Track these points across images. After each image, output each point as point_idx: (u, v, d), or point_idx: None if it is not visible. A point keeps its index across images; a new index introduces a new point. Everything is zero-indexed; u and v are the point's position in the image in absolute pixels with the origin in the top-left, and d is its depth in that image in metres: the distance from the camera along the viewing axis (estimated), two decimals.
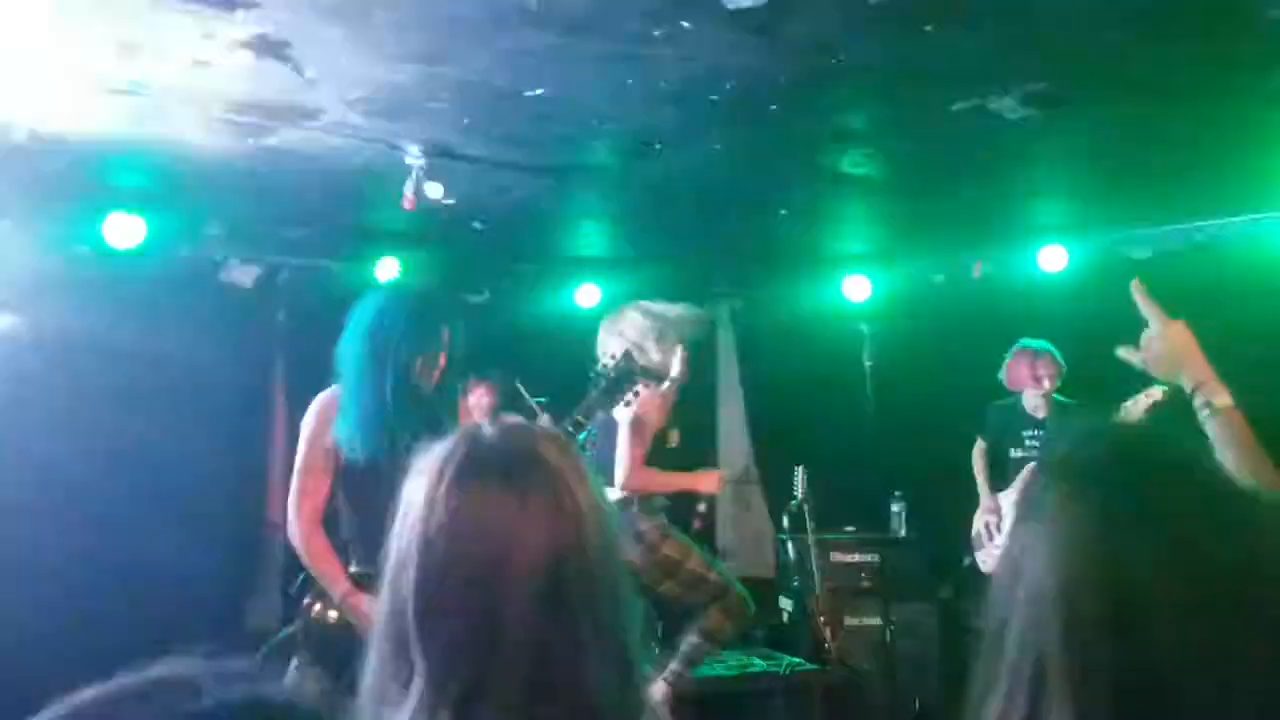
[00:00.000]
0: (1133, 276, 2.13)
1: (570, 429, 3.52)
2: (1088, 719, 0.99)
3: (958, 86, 4.23)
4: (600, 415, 3.96)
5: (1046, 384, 6.09)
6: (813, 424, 6.99)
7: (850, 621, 6.19)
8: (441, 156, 4.82)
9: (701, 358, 8.17)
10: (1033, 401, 6.21)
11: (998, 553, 1.40)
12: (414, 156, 4.73)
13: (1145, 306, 2.06)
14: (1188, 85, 4.15)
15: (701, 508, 5.92)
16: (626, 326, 5.04)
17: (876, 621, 6.04)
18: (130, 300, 5.72)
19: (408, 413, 3.45)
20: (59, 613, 5.09)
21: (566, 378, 7.27)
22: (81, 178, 5.19)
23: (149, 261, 5.82)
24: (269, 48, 3.66)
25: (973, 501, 6.35)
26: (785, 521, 6.55)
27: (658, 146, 4.88)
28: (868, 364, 5.94)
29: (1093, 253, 6.39)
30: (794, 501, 6.35)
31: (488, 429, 1.35)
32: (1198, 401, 1.89)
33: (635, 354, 4.00)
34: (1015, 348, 6.26)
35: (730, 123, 4.62)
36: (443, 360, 3.71)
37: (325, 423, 3.55)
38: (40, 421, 5.35)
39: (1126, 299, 2.11)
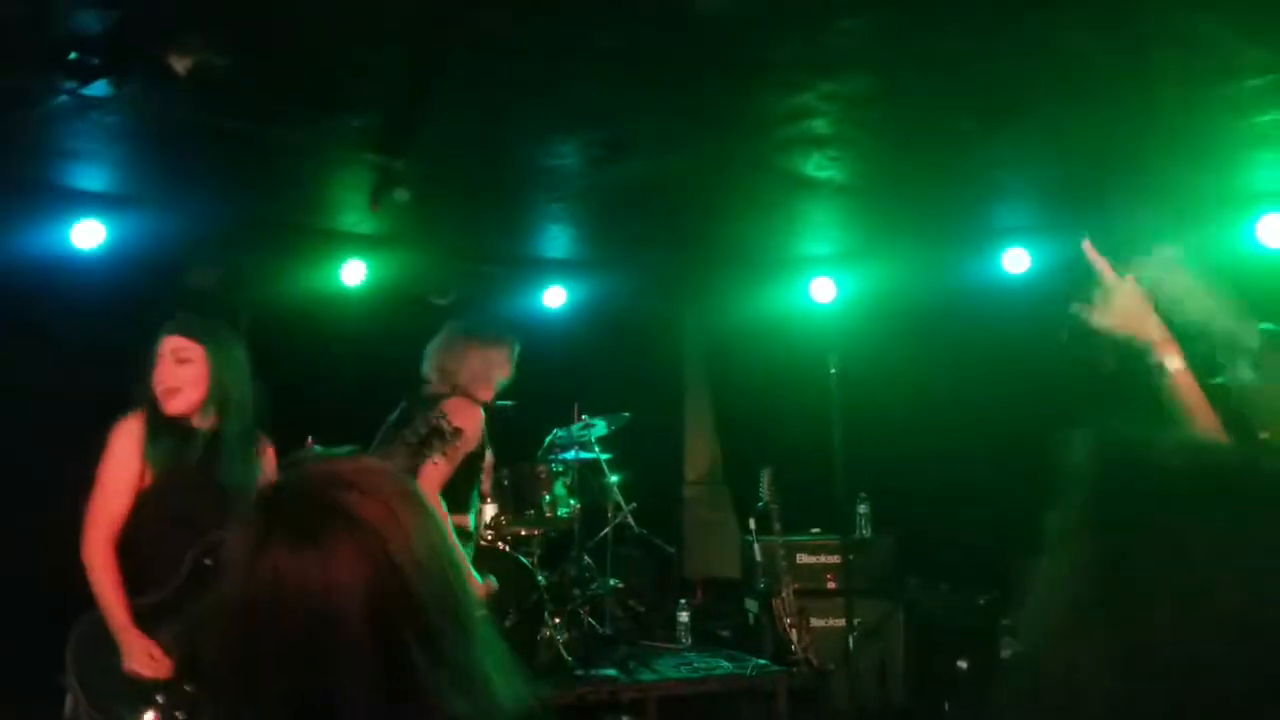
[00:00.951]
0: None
1: None
2: None
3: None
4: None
5: None
6: (779, 426, 7.02)
7: (816, 623, 6.21)
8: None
9: (668, 360, 8.24)
10: None
11: None
12: None
13: (1097, 263, 2.06)
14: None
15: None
16: (462, 361, 4.74)
17: (842, 622, 6.07)
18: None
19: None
20: None
21: (535, 379, 7.33)
22: None
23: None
24: None
25: (937, 504, 6.39)
26: (751, 523, 6.57)
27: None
28: (832, 370, 5.95)
29: (1055, 254, 6.45)
30: (760, 504, 6.38)
31: (284, 478, 1.31)
32: (1152, 361, 1.90)
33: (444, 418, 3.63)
34: None
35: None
36: None
37: (137, 444, 3.49)
38: None
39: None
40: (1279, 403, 2.00)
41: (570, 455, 6.39)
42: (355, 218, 6.13)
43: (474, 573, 4.57)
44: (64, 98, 4.13)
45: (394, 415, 4.80)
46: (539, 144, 5.07)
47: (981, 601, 6.03)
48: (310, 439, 6.61)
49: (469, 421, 4.36)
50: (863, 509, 6.86)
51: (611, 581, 6.50)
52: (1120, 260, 2.05)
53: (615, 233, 6.75)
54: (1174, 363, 1.89)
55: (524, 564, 5.83)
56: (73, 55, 3.79)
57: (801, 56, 4.02)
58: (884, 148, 5.20)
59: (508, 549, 5.87)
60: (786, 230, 6.82)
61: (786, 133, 4.86)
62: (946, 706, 5.79)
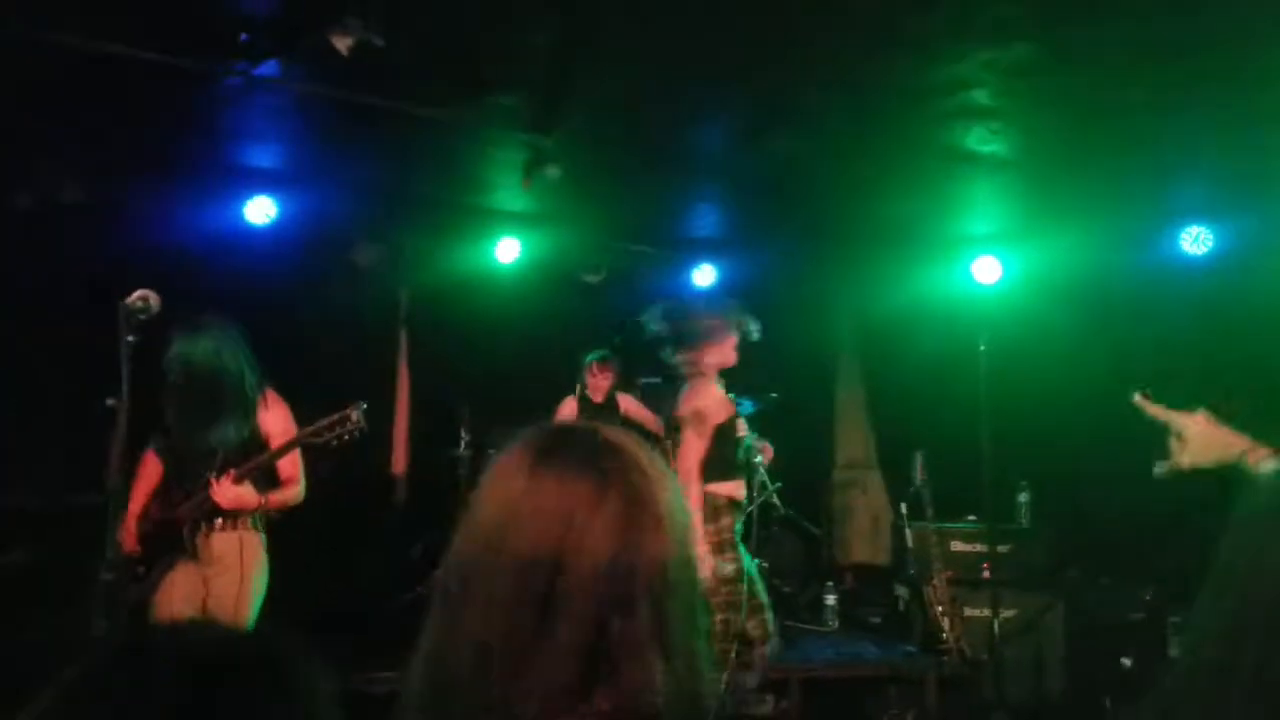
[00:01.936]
0: None
1: None
2: None
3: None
4: None
5: None
6: (935, 410, 6.82)
7: (969, 612, 6.03)
8: None
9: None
10: None
11: None
12: None
13: (1159, 414, 2.13)
14: None
15: None
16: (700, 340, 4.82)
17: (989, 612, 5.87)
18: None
19: None
20: None
21: None
22: None
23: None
24: None
25: (1101, 495, 6.10)
26: (903, 509, 6.42)
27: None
28: (981, 348, 5.72)
29: (1239, 236, 6.06)
30: (912, 489, 6.22)
31: (577, 423, 1.35)
32: (1256, 467, 1.95)
33: None
34: None
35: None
36: None
37: None
38: None
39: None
40: None
41: None
42: (509, 196, 6.24)
43: (740, 549, 4.69)
44: (236, 79, 4.33)
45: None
46: (688, 121, 5.04)
47: (1146, 596, 5.73)
48: (465, 413, 6.82)
49: (707, 399, 4.64)
50: (1023, 498, 6.63)
51: (756, 561, 6.46)
52: None
53: (766, 212, 6.67)
54: (1269, 463, 1.93)
55: None
56: (244, 37, 3.97)
57: (957, 22, 3.86)
58: (1049, 120, 4.95)
59: None
60: (945, 208, 6.59)
61: (945, 105, 4.69)
62: (1108, 704, 5.52)
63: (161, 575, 3.93)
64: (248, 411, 3.97)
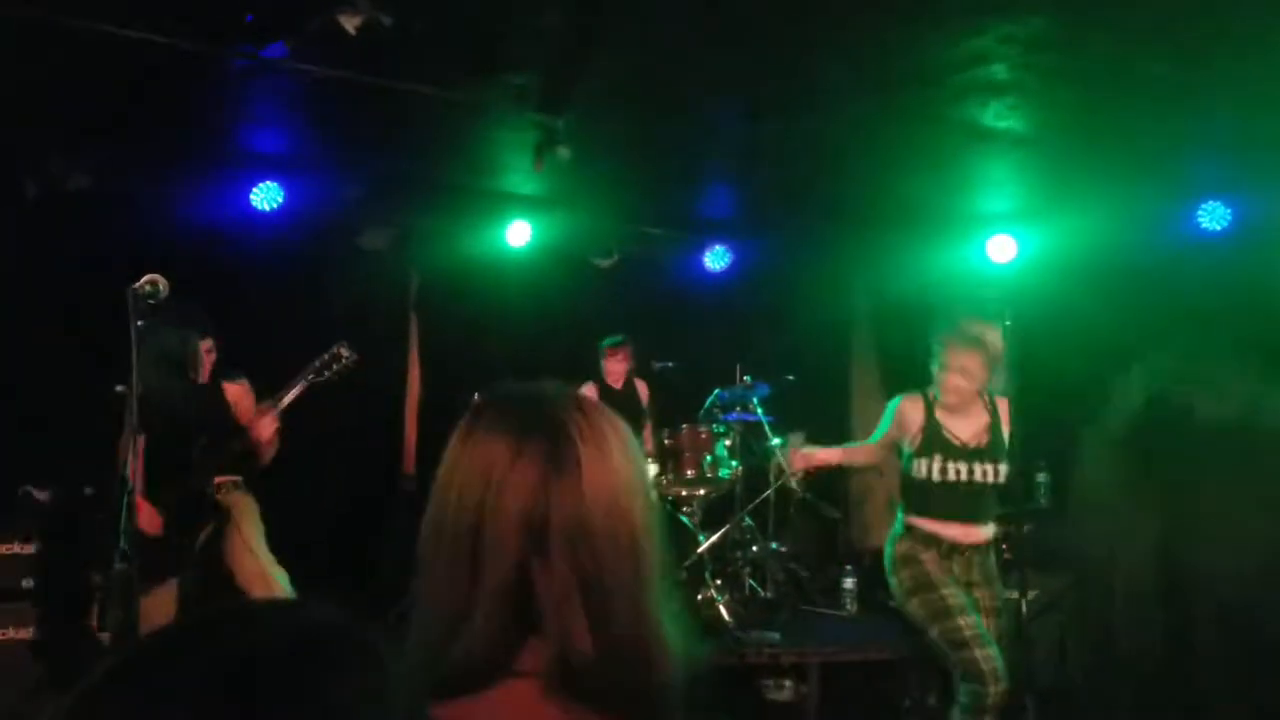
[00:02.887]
0: None
1: None
2: None
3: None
4: None
5: None
6: None
7: None
8: None
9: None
10: None
11: None
12: None
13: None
14: None
15: None
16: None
17: (1016, 595, 5.81)
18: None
19: None
20: None
21: (697, 340, 7.28)
22: None
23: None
24: None
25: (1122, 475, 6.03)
26: None
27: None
28: (1006, 323, 5.65)
29: (1257, 211, 5.97)
30: None
31: (521, 385, 1.38)
32: None
33: None
34: None
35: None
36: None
37: None
38: None
39: None
40: None
41: (732, 417, 6.32)
42: (519, 179, 6.18)
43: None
44: (243, 61, 4.28)
45: None
46: (702, 100, 4.98)
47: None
48: (477, 396, 6.77)
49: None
50: (1041, 478, 6.58)
51: (773, 545, 6.42)
52: None
53: (779, 192, 6.59)
54: None
55: (685, 524, 5.80)
56: (249, 17, 3.92)
57: None
58: (1067, 95, 4.87)
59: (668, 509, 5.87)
60: (961, 186, 6.51)
61: (961, 80, 4.61)
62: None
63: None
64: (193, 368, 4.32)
